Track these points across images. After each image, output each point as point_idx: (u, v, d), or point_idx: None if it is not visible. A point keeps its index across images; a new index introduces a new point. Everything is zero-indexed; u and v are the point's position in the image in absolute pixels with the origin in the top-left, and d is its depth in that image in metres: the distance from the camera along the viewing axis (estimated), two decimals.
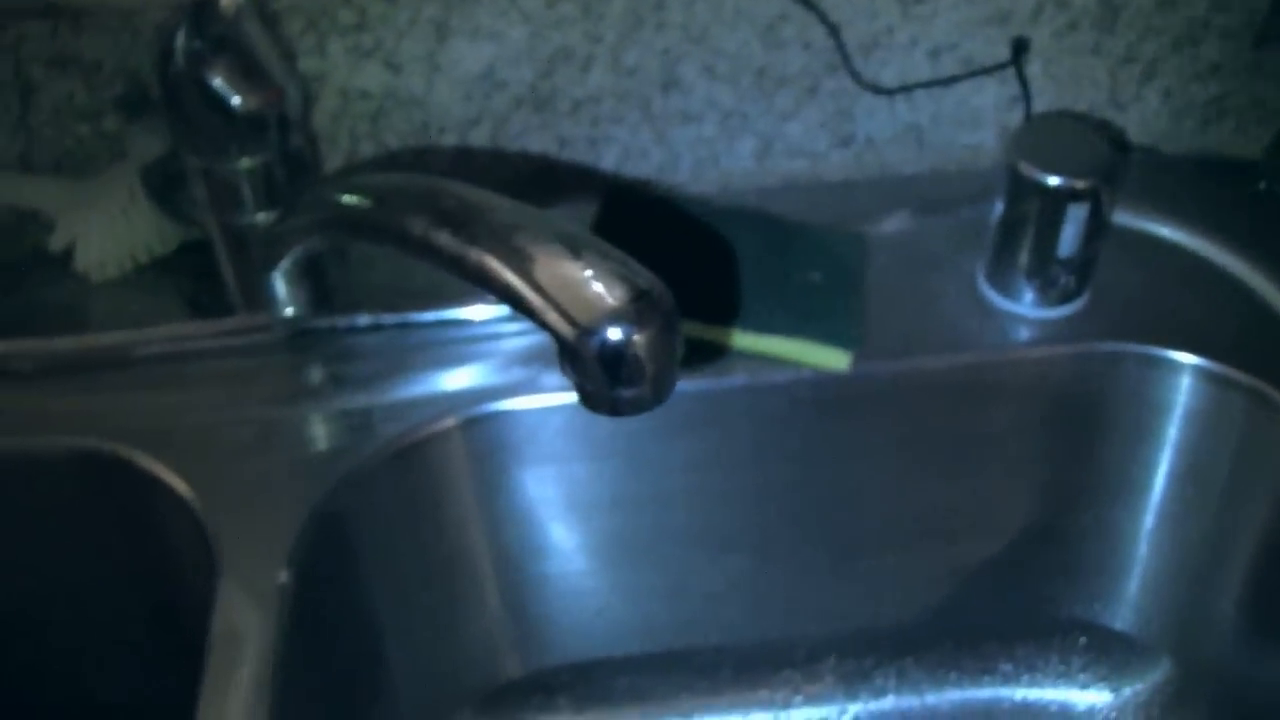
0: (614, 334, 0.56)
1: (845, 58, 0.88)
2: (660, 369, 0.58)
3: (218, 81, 0.73)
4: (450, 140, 0.89)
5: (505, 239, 0.59)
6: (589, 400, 0.59)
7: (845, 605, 0.94)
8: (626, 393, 0.58)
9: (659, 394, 0.59)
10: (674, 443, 0.84)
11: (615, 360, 0.57)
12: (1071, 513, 0.90)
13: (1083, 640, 0.96)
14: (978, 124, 0.93)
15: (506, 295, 0.58)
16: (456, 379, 0.82)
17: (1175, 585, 0.91)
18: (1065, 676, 0.96)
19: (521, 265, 0.58)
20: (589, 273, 0.57)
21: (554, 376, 0.81)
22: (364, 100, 0.87)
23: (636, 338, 0.56)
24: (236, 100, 0.74)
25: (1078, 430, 0.87)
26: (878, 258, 0.88)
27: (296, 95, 0.77)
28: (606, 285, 0.57)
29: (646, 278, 0.57)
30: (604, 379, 0.57)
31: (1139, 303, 0.85)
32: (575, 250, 0.58)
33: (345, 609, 0.81)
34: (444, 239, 0.61)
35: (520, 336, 0.84)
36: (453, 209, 0.62)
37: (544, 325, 0.57)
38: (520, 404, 0.82)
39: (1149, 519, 0.89)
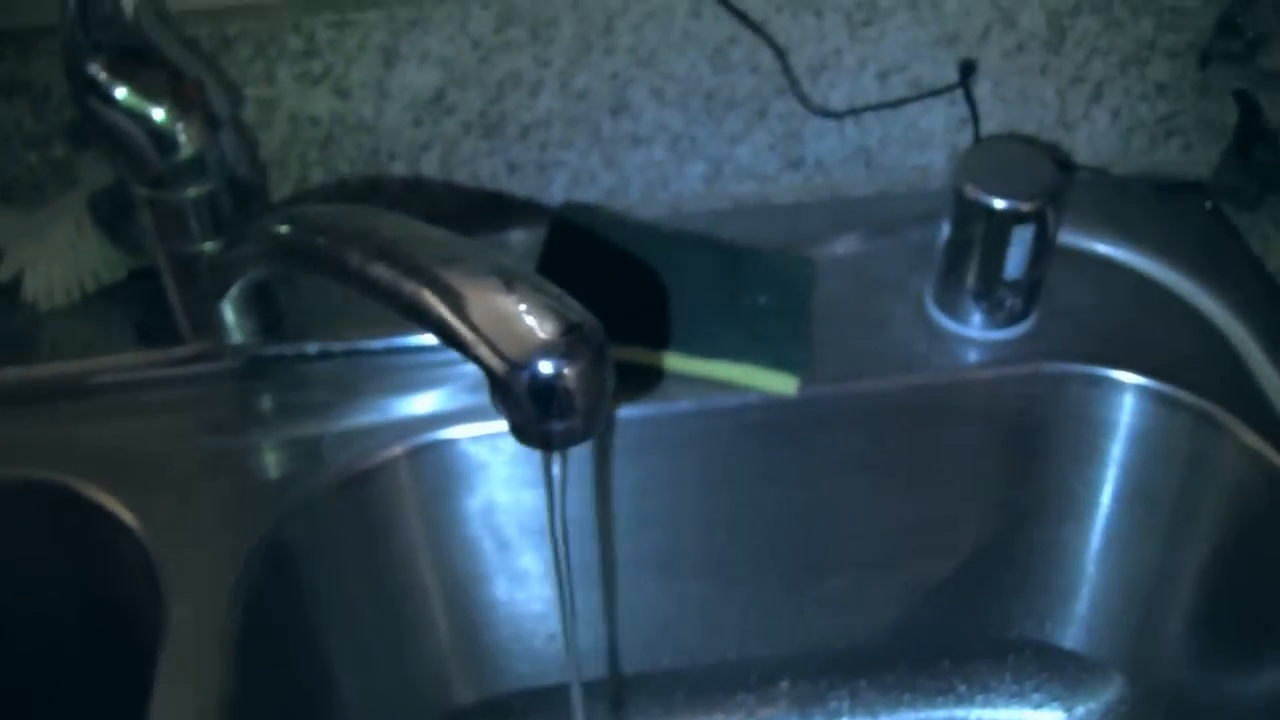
0: (545, 368, 0.56)
1: (793, 81, 0.88)
2: (591, 402, 0.58)
3: (118, 87, 0.72)
4: (400, 166, 0.89)
5: (438, 273, 0.59)
6: (520, 433, 0.59)
7: (798, 628, 0.94)
8: (558, 425, 0.58)
9: (590, 427, 0.59)
10: (623, 468, 0.84)
11: (546, 394, 0.57)
12: (1022, 532, 0.90)
13: (1036, 660, 0.96)
14: (927, 145, 0.93)
15: (439, 329, 0.58)
16: (406, 406, 0.82)
17: (1125, 604, 0.91)
18: (1019, 696, 0.96)
19: (453, 299, 0.58)
20: (520, 307, 0.57)
21: None
22: (313, 126, 0.87)
23: (567, 371, 0.56)
24: (147, 109, 0.73)
25: (1026, 451, 0.87)
26: (826, 280, 0.88)
27: (220, 95, 0.76)
28: (537, 319, 0.57)
29: (578, 312, 0.58)
30: (535, 412, 0.57)
31: (1086, 323, 0.86)
32: (508, 284, 0.58)
33: (295, 638, 0.81)
34: (379, 272, 0.61)
35: (470, 363, 0.83)
36: (388, 242, 0.62)
37: (475, 359, 0.57)
38: (469, 431, 0.82)
39: (1097, 538, 0.90)
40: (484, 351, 0.57)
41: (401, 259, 0.60)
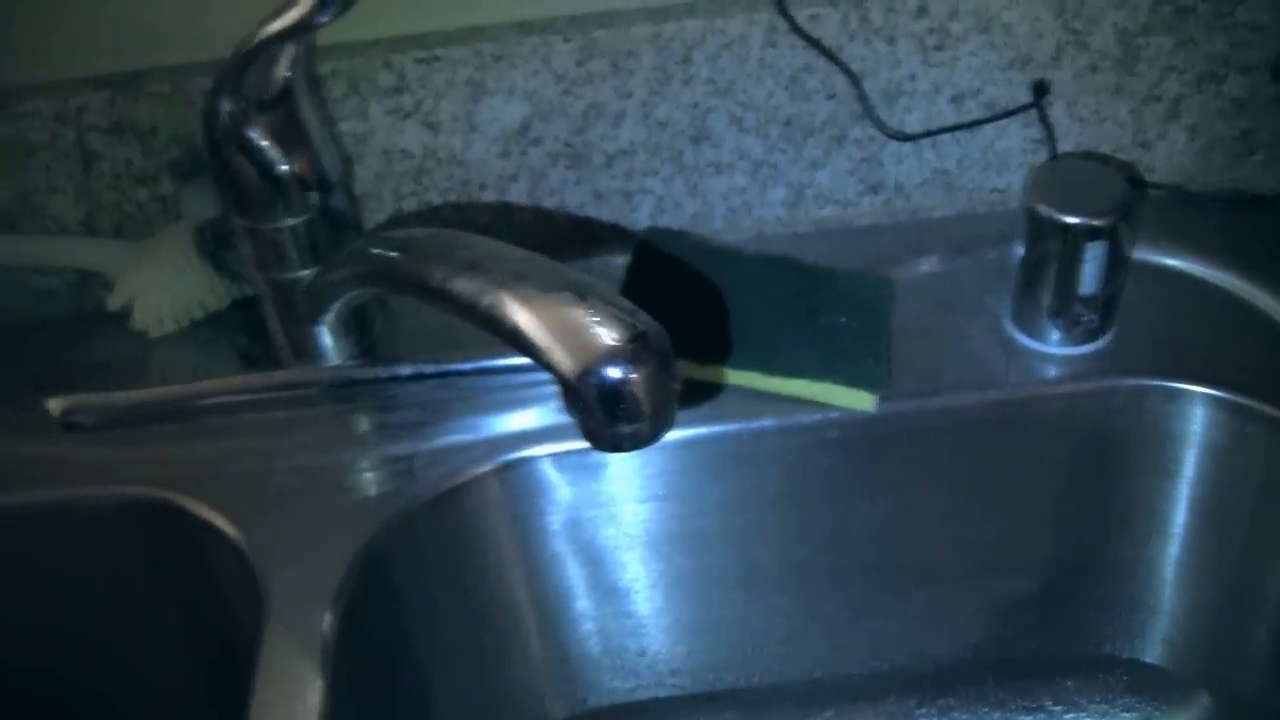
0: (612, 373, 0.59)
1: (868, 107, 0.90)
2: (658, 406, 0.60)
3: (256, 141, 0.76)
4: (490, 196, 0.93)
5: (513, 286, 0.62)
6: (591, 437, 0.62)
7: (885, 644, 0.95)
8: (626, 429, 0.61)
9: (657, 430, 0.61)
10: (707, 484, 0.86)
11: (614, 398, 0.59)
12: (1102, 547, 0.91)
13: (1123, 677, 0.96)
14: (1004, 167, 0.94)
15: (514, 338, 0.61)
16: (495, 426, 0.85)
17: (1209, 619, 0.91)
18: (1108, 715, 0.96)
19: (527, 311, 0.61)
20: (590, 317, 0.60)
21: None
22: (405, 159, 0.91)
23: (633, 376, 0.59)
24: (277, 162, 0.77)
25: (1105, 466, 0.88)
26: (906, 300, 0.89)
27: (336, 156, 0.81)
28: (605, 328, 0.60)
29: (644, 320, 0.60)
30: (604, 416, 0.60)
31: (1165, 338, 0.86)
32: (578, 296, 0.61)
33: (389, 649, 0.83)
34: (459, 287, 0.64)
35: (556, 384, 0.86)
36: (467, 259, 0.65)
37: (548, 366, 0.60)
38: (557, 449, 0.84)
39: (1179, 553, 0.90)
40: (555, 358, 0.60)
41: (480, 275, 0.63)
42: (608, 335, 0.59)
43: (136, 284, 0.89)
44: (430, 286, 0.65)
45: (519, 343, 0.61)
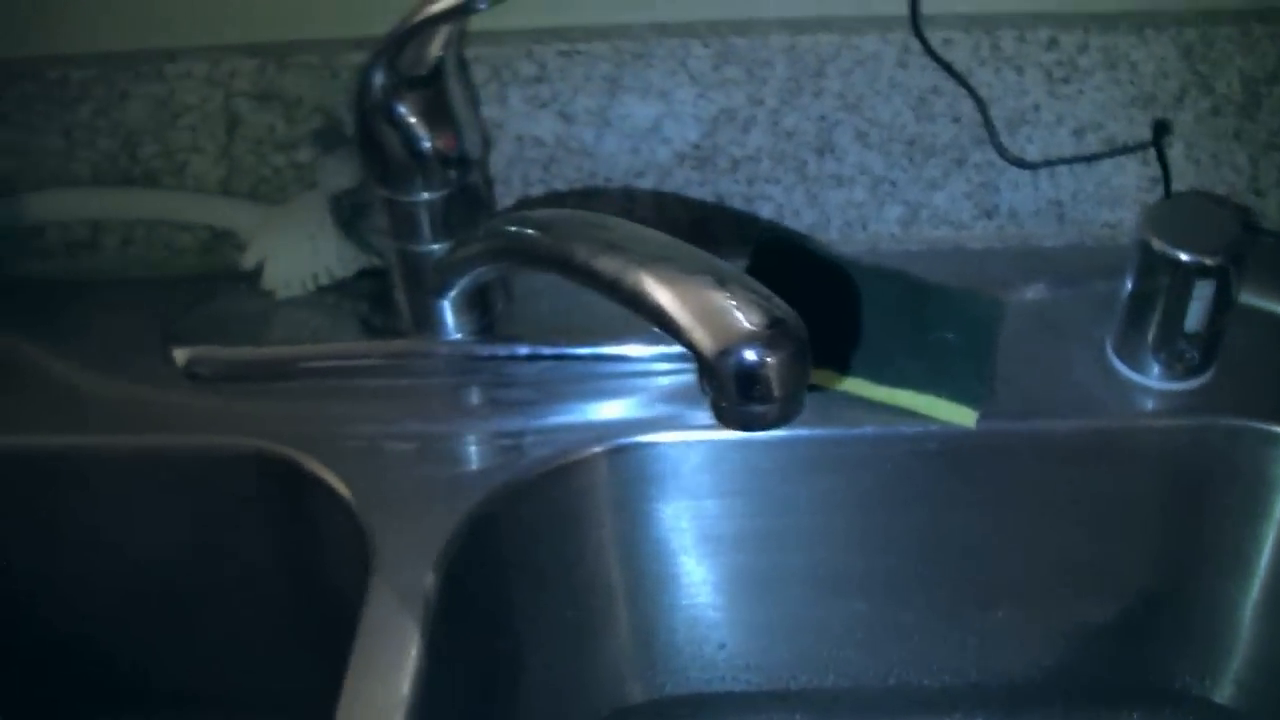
0: (749, 355, 0.62)
1: (993, 132, 0.92)
2: (789, 391, 0.63)
3: (405, 116, 0.79)
4: (615, 189, 0.95)
5: (658, 267, 0.65)
6: (722, 415, 0.64)
7: (958, 658, 0.97)
8: (757, 409, 0.63)
9: (786, 414, 0.64)
10: (802, 485, 0.88)
11: (748, 379, 0.62)
12: (1184, 583, 0.92)
13: (1191, 714, 0.97)
14: (1118, 203, 0.96)
15: (656, 316, 0.64)
16: (605, 410, 0.87)
17: None
18: None
19: (671, 290, 0.64)
20: (731, 300, 0.63)
21: (697, 414, 0.86)
22: (538, 147, 0.93)
23: (769, 360, 0.62)
24: (423, 138, 0.80)
25: (1195, 502, 0.89)
26: (1012, 323, 0.91)
27: (479, 136, 0.84)
28: (745, 311, 0.62)
29: (782, 308, 0.63)
30: (737, 396, 0.63)
31: (1264, 382, 0.87)
32: (720, 280, 0.64)
33: (489, 615, 0.86)
34: (603, 264, 0.67)
35: (668, 375, 0.89)
36: (612, 239, 0.68)
37: (687, 343, 0.63)
38: (663, 438, 0.86)
39: (1260, 594, 0.91)
40: (695, 337, 0.62)
41: (623, 254, 0.66)
42: (747, 319, 0.62)
43: (270, 246, 0.92)
44: (573, 263, 0.68)
45: (660, 321, 0.64)
